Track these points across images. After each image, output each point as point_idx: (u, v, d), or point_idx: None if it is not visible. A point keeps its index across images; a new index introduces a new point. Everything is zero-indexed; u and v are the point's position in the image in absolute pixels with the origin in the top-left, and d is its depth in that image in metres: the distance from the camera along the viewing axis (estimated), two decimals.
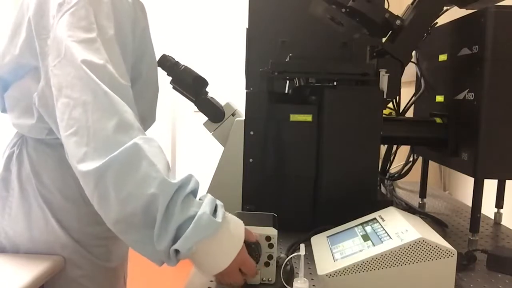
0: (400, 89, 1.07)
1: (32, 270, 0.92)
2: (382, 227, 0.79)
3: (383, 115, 1.05)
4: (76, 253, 1.01)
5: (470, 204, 1.03)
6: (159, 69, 1.16)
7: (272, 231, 0.77)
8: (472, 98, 1.00)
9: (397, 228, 0.76)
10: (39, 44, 0.91)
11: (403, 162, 1.38)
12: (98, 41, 0.82)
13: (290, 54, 1.17)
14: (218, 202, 0.77)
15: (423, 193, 1.34)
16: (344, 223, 0.89)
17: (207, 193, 1.07)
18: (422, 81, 1.24)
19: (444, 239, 0.74)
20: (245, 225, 0.77)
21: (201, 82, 1.16)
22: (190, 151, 3.46)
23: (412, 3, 1.05)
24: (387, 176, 1.40)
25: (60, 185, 0.99)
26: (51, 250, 1.00)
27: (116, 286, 1.14)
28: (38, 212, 0.99)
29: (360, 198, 1.00)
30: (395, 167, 1.41)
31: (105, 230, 0.80)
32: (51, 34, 0.86)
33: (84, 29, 0.82)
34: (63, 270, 1.00)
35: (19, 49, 0.95)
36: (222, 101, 1.20)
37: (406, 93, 1.23)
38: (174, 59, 1.18)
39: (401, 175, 1.38)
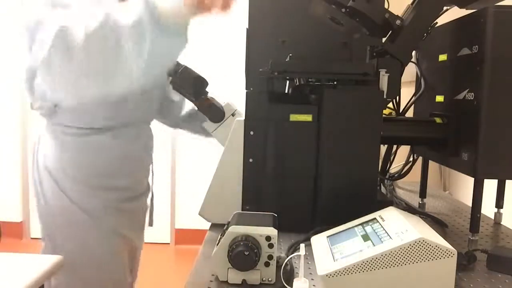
0: (400, 89, 1.07)
1: (32, 270, 0.92)
2: (382, 227, 0.79)
3: (383, 115, 1.05)
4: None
5: (470, 204, 1.03)
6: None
7: (272, 231, 0.77)
8: (472, 98, 1.00)
9: (397, 228, 0.76)
10: None
11: (403, 162, 1.38)
12: None
13: (290, 54, 1.17)
14: None
15: (423, 193, 1.34)
16: (344, 223, 0.89)
17: (207, 193, 1.09)
18: (422, 81, 1.24)
19: (444, 239, 0.74)
20: (245, 225, 0.77)
21: (201, 82, 1.16)
22: (190, 151, 3.46)
23: (412, 3, 1.05)
24: (387, 176, 1.40)
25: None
26: None
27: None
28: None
29: (360, 198, 1.00)
30: (395, 167, 1.41)
31: None
32: None
33: None
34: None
35: None
36: (222, 101, 1.20)
37: (406, 93, 1.22)
38: None
39: (401, 175, 1.38)
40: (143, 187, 1.30)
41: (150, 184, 1.36)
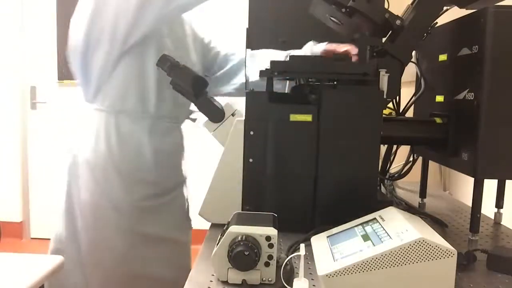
0: (400, 89, 1.07)
1: (32, 270, 0.92)
2: (382, 227, 0.79)
3: (383, 115, 1.05)
4: None
5: (470, 204, 1.03)
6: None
7: (272, 231, 0.77)
8: (472, 98, 1.00)
9: (397, 228, 0.76)
10: None
11: (403, 162, 1.38)
12: None
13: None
14: None
15: (423, 193, 1.34)
16: (344, 223, 0.89)
17: (207, 193, 1.09)
18: (422, 81, 1.24)
19: (444, 239, 0.74)
20: (245, 225, 0.77)
21: (201, 82, 1.16)
22: (190, 151, 3.46)
23: (412, 3, 1.05)
24: (387, 176, 1.40)
25: None
26: None
27: None
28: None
29: (360, 198, 1.00)
30: (395, 167, 1.41)
31: None
32: None
33: None
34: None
35: None
36: (222, 101, 1.20)
37: (406, 93, 1.22)
38: (174, 59, 1.18)
39: (401, 175, 1.38)
40: (170, 184, 1.37)
41: (185, 181, 1.47)
